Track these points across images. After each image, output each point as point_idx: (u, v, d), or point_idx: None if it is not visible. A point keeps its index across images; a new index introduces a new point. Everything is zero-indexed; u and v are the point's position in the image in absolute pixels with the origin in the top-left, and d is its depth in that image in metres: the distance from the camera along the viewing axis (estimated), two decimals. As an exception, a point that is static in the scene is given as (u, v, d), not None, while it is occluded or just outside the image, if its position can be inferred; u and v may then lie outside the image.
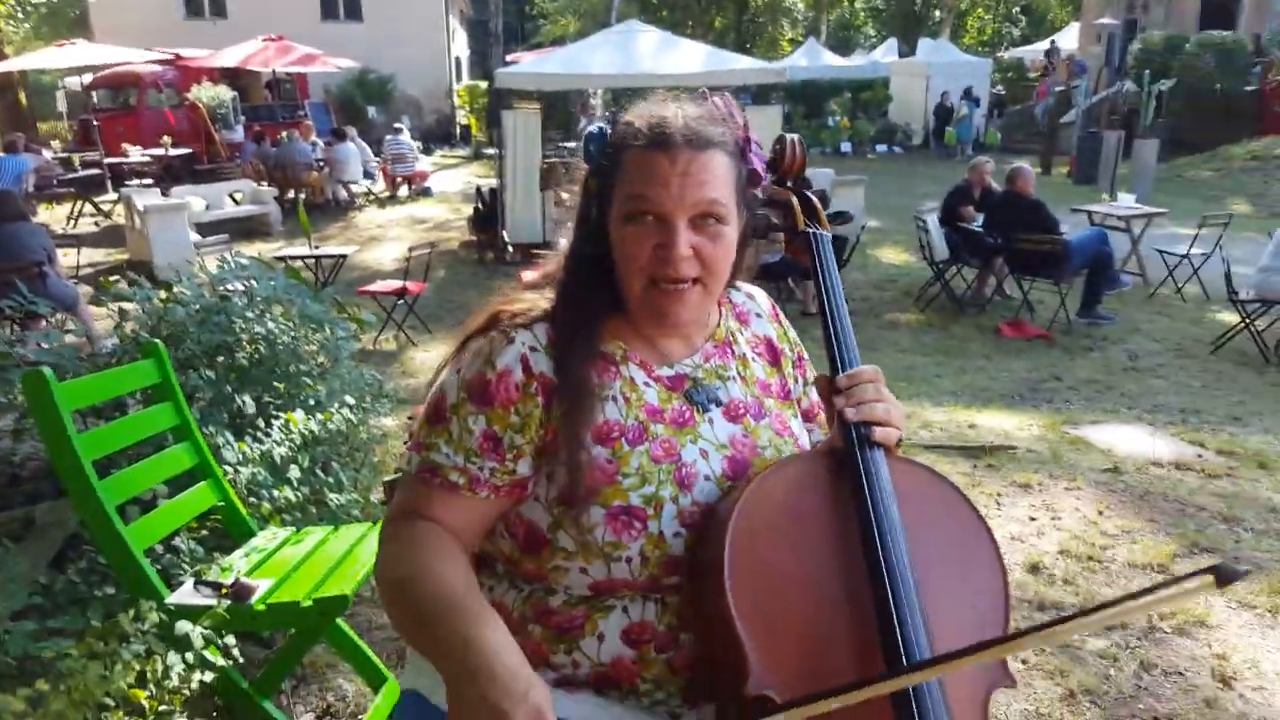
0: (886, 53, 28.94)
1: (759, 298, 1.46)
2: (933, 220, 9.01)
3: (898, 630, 1.03)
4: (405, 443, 1.29)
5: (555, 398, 1.18)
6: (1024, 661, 2.82)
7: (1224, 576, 0.82)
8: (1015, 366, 7.19)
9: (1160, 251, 9.47)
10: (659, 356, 1.28)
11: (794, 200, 1.35)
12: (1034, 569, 3.39)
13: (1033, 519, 3.84)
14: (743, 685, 1.02)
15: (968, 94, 22.36)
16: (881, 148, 23.07)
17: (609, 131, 1.23)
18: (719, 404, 1.28)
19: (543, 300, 1.26)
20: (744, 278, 1.39)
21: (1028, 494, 4.10)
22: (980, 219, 8.90)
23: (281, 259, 6.74)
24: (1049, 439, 5.01)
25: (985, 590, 1.18)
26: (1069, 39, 27.04)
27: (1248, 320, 7.47)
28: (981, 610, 1.17)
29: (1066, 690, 2.69)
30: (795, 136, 1.37)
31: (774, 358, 1.40)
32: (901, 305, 9.33)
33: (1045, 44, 27.30)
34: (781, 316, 1.47)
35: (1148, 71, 17.06)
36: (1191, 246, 9.14)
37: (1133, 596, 0.88)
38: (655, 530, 1.16)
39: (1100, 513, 3.93)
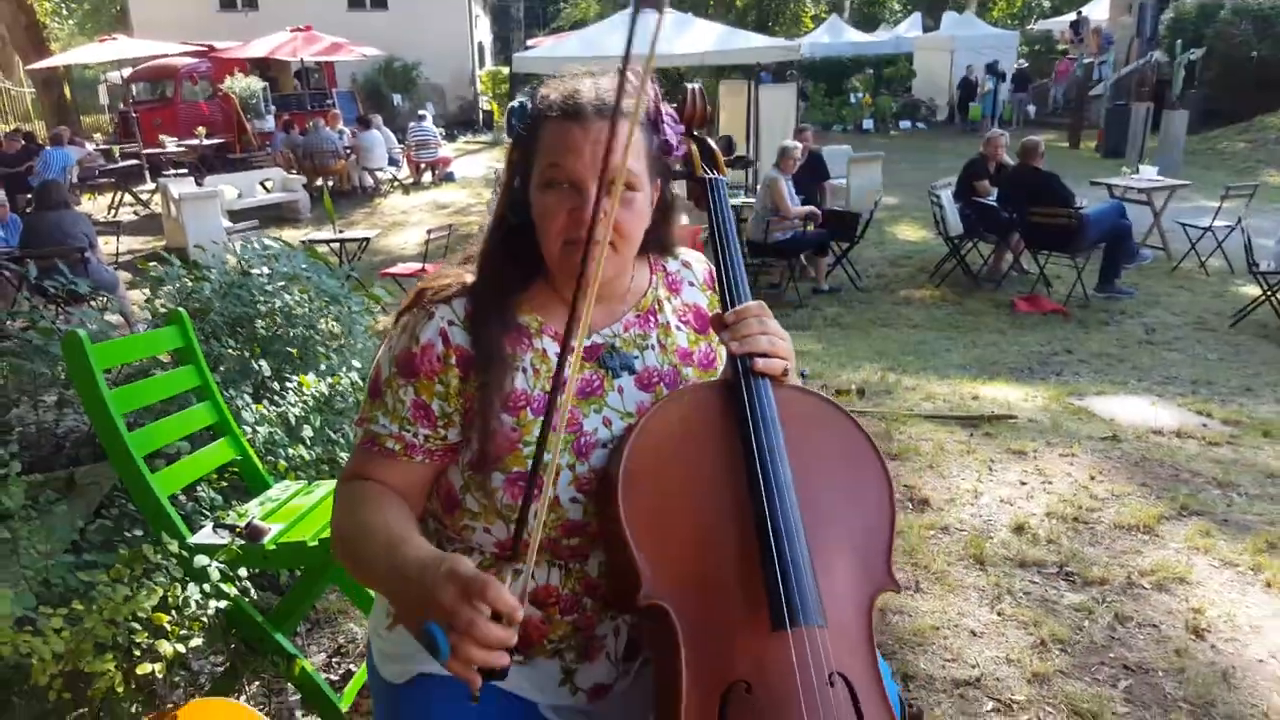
0: (911, 28, 28.60)
1: (695, 266, 1.50)
2: (946, 195, 9.05)
3: (773, 546, 1.16)
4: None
5: (471, 369, 1.26)
6: (999, 613, 2.94)
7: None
8: (1027, 340, 7.24)
9: (1183, 224, 9.40)
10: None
11: (694, 148, 1.45)
12: (1019, 529, 3.49)
13: (1023, 483, 3.94)
14: (636, 594, 1.14)
15: (992, 68, 22.17)
16: (905, 124, 22.95)
17: (529, 106, 1.30)
18: (631, 371, 1.35)
19: (468, 275, 1.33)
20: (679, 243, 1.46)
21: (1021, 460, 4.20)
22: (995, 193, 8.93)
23: (307, 243, 6.98)
24: (1051, 409, 5.09)
25: (869, 504, 1.29)
26: (1099, 10, 26.65)
27: (1269, 292, 7.45)
28: (864, 522, 1.28)
29: (1038, 639, 2.78)
30: (696, 87, 1.45)
31: (702, 325, 1.45)
32: (917, 281, 9.37)
33: (1073, 16, 26.88)
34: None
35: (1179, 41, 16.80)
36: (1214, 219, 9.09)
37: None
38: (551, 495, 1.24)
39: (1092, 477, 4.00)
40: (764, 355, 1.28)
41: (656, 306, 1.41)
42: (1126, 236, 8.44)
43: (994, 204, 8.80)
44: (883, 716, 1.17)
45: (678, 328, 1.42)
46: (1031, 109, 23.03)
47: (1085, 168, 13.89)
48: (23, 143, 15.16)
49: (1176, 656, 2.71)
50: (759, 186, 8.80)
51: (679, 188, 1.45)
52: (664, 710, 1.15)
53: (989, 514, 3.64)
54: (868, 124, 22.75)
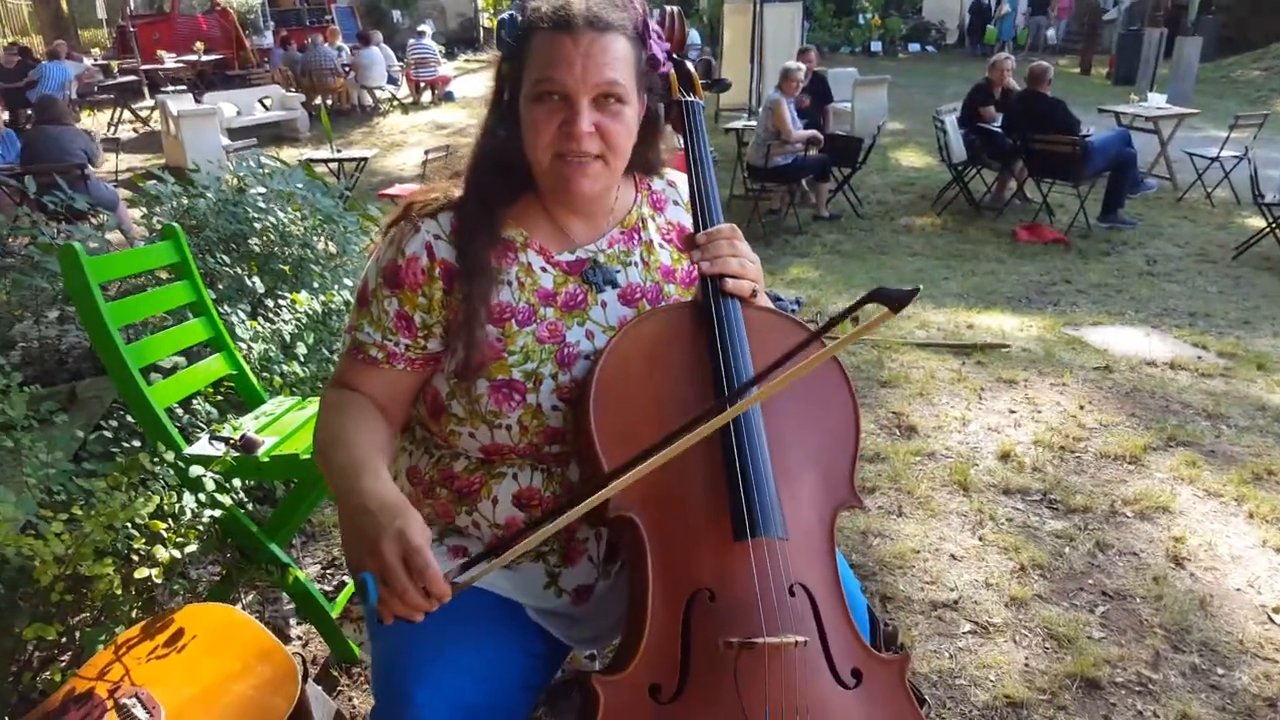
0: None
1: (681, 185, 1.51)
2: (951, 121, 8.91)
3: (736, 459, 1.20)
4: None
5: (456, 281, 1.30)
6: (980, 538, 3.00)
7: (892, 299, 0.94)
8: (1026, 270, 7.22)
9: (1190, 154, 9.29)
10: (562, 240, 1.38)
11: (671, 71, 1.44)
12: (1005, 457, 3.53)
13: (1012, 411, 3.97)
14: (605, 506, 1.17)
15: (1011, -11, 21.67)
16: (914, 47, 22.47)
17: (518, 17, 1.27)
18: (615, 286, 1.38)
19: (455, 190, 1.35)
20: (666, 161, 1.48)
21: (1012, 389, 4.23)
22: (1001, 119, 8.81)
23: (305, 162, 6.93)
24: (1045, 339, 5.10)
25: (834, 423, 1.33)
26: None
27: (1273, 224, 7.40)
28: (828, 440, 1.32)
29: (1018, 564, 2.83)
30: (675, 9, 1.45)
31: (686, 244, 1.48)
32: (918, 209, 9.30)
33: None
34: None
35: (1198, -36, 16.39)
36: (1222, 149, 8.97)
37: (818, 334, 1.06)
38: (534, 402, 1.30)
39: (1081, 407, 4.03)
40: (734, 276, 1.31)
41: (640, 224, 1.44)
42: (1131, 165, 8.36)
43: (999, 130, 8.68)
44: (843, 626, 1.22)
45: (661, 246, 1.45)
46: (1050, 33, 22.49)
47: (1094, 94, 13.68)
48: (19, 57, 14.89)
49: (1155, 584, 2.75)
50: (760, 110, 8.66)
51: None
52: (633, 616, 1.20)
53: (976, 441, 3.69)
54: (875, 46, 22.26)
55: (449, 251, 1.31)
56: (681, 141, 1.44)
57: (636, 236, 1.43)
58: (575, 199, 1.33)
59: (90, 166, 7.48)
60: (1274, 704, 2.28)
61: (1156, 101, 10.19)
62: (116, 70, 16.74)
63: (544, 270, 1.35)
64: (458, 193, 1.35)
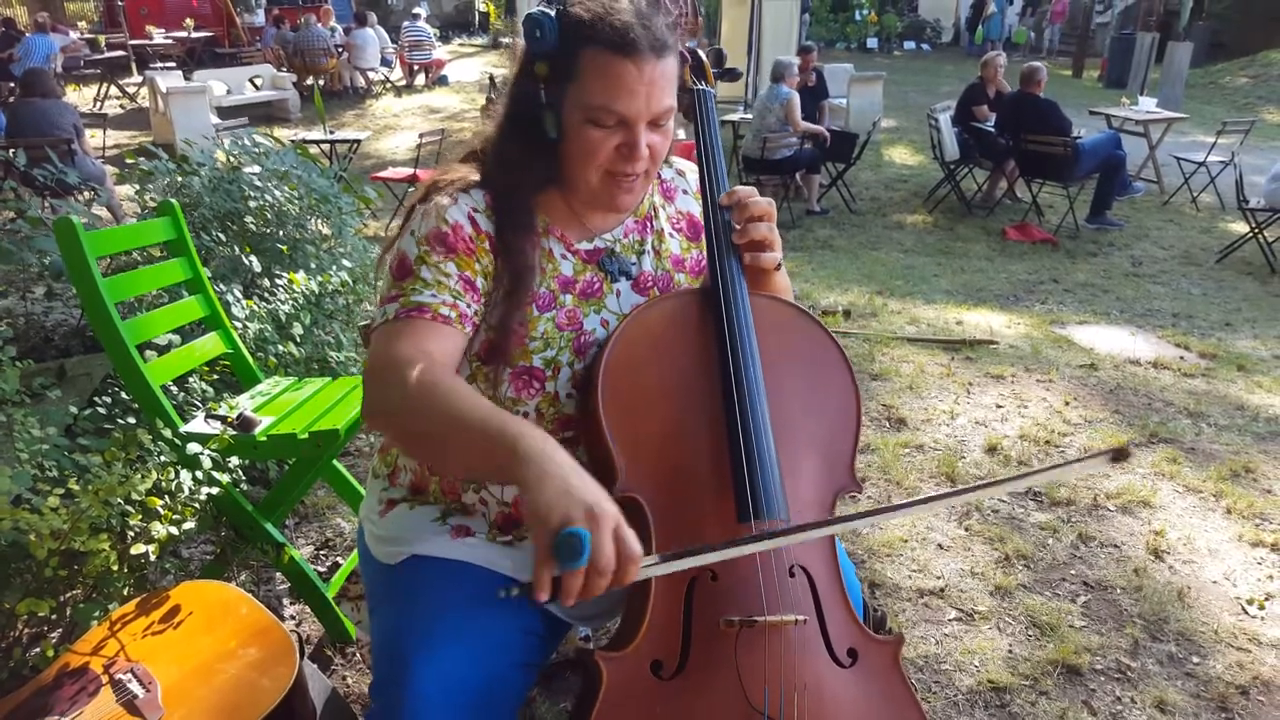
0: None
1: (689, 175, 1.53)
2: (944, 119, 8.94)
3: (741, 443, 1.21)
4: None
5: (500, 257, 1.28)
6: (966, 528, 3.05)
7: (1119, 454, 0.96)
8: (1014, 268, 7.27)
9: (1177, 158, 9.38)
10: (581, 230, 1.38)
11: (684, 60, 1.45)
12: (991, 450, 3.59)
13: (999, 406, 4.03)
14: (611, 488, 1.17)
15: (1003, -11, 21.74)
16: (909, 44, 22.56)
17: (554, 17, 1.23)
18: (629, 276, 1.39)
19: (473, 174, 1.34)
20: (673, 151, 1.47)
21: (999, 384, 4.28)
22: (994, 118, 8.85)
23: (297, 142, 6.89)
24: (1033, 337, 5.16)
25: (836, 409, 1.35)
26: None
27: (1256, 229, 7.48)
28: (830, 426, 1.34)
29: (1003, 554, 2.89)
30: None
31: (694, 233, 1.49)
32: (910, 206, 9.33)
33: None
34: None
35: (1191, -31, 16.49)
36: (1209, 154, 9.06)
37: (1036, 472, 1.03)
38: (551, 390, 1.31)
39: (1066, 403, 4.10)
40: (764, 247, 1.33)
41: (653, 213, 1.45)
42: (1120, 168, 8.41)
43: (992, 129, 8.72)
44: (841, 607, 1.24)
45: (671, 235, 1.47)
46: (1032, 35, 22.62)
47: (1086, 97, 13.75)
48: (2, 29, 14.69)
49: (1135, 575, 2.82)
50: (759, 103, 8.67)
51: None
52: (636, 595, 1.22)
53: (963, 434, 3.73)
54: (871, 43, 22.33)
55: (490, 225, 1.29)
56: (691, 129, 1.44)
57: (649, 225, 1.44)
58: (618, 212, 1.35)
59: (77, 142, 7.38)
60: (1246, 691, 2.34)
61: (1147, 105, 10.26)
62: (104, 45, 16.57)
63: (564, 257, 1.36)
64: (476, 176, 1.34)
